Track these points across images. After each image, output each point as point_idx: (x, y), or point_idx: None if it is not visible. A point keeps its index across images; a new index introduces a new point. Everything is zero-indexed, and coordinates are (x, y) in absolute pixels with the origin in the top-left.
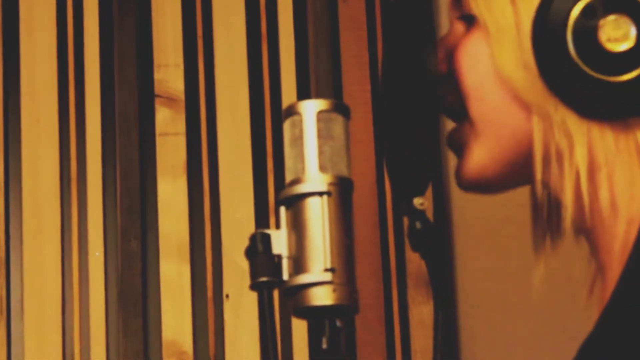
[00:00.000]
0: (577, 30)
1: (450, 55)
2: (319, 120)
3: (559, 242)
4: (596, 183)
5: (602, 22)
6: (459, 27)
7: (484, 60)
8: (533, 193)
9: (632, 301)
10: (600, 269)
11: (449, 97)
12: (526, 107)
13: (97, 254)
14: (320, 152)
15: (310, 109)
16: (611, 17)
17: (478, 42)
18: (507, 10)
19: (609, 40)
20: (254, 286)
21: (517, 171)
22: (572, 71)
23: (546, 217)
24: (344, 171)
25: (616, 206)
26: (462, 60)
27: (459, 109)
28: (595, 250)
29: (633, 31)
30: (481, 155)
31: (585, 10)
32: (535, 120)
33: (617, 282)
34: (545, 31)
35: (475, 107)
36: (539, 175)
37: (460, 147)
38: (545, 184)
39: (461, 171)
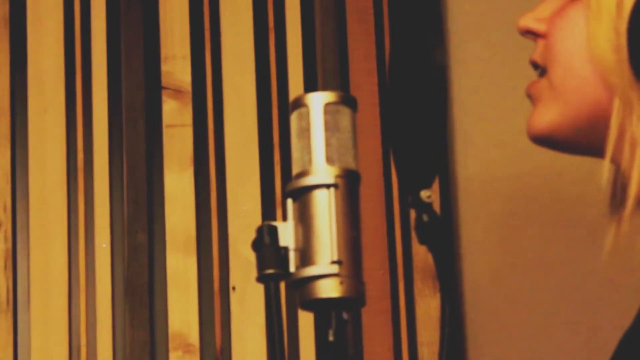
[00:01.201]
0: None
1: (550, 19)
2: (326, 112)
3: (624, 215)
4: None
5: None
6: None
7: (579, 34)
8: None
9: None
10: None
11: (539, 56)
12: (609, 88)
13: (103, 245)
14: (328, 145)
15: (318, 101)
16: None
17: (578, 14)
18: None
19: None
20: (260, 278)
21: (584, 139)
22: None
23: (612, 192)
24: (351, 163)
25: None
26: (560, 27)
27: (542, 70)
28: None
29: None
30: (553, 115)
31: None
32: (617, 104)
33: None
34: None
35: (560, 73)
36: (609, 154)
37: (536, 99)
38: (615, 164)
39: (532, 123)
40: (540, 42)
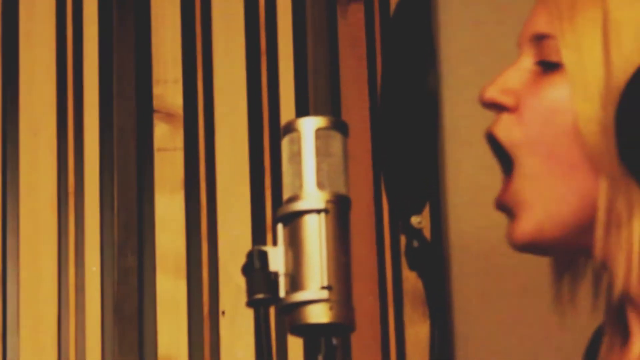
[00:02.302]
0: None
1: (520, 95)
2: (317, 137)
3: (577, 295)
4: None
5: None
6: (531, 64)
7: (562, 114)
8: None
9: None
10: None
11: (503, 131)
12: (594, 170)
13: (93, 268)
14: (318, 170)
15: (309, 126)
16: None
17: (557, 92)
18: (599, 70)
19: None
20: (250, 303)
21: (573, 236)
22: None
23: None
24: (341, 189)
25: None
26: (538, 107)
27: (506, 155)
28: (636, 320)
29: None
30: (539, 219)
31: None
32: (603, 185)
33: None
34: (636, 102)
35: (539, 161)
36: (600, 242)
37: (513, 207)
38: (599, 250)
39: (515, 232)
40: (505, 117)
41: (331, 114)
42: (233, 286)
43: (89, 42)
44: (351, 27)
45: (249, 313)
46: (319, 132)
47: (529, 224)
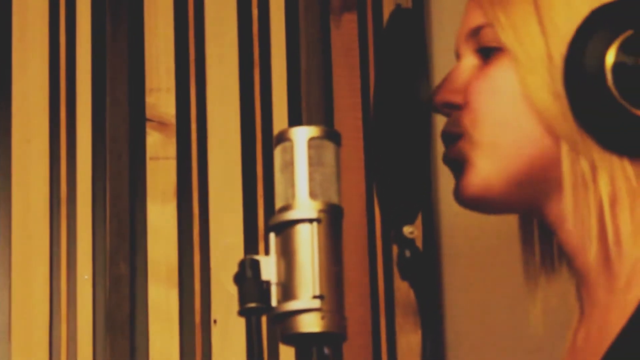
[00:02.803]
0: (616, 66)
1: (467, 87)
2: (310, 146)
3: (554, 278)
4: (618, 216)
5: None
6: (473, 59)
7: (511, 88)
8: (522, 226)
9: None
10: (594, 300)
11: (454, 127)
12: (552, 135)
13: (85, 277)
14: (311, 179)
15: (302, 135)
16: None
17: (503, 70)
18: (538, 41)
19: None
20: (242, 312)
21: (520, 195)
22: (607, 104)
23: (540, 254)
24: (334, 198)
25: (633, 243)
26: (483, 88)
27: (457, 136)
28: (608, 279)
29: None
30: (487, 173)
31: (623, 46)
32: (564, 149)
33: (626, 324)
34: (581, 65)
35: (490, 132)
36: (570, 203)
37: (462, 163)
38: (573, 214)
39: (463, 186)
40: (456, 114)
41: (324, 123)
42: (225, 295)
43: (82, 50)
44: (344, 37)
45: (241, 322)
46: (311, 141)
47: (477, 178)
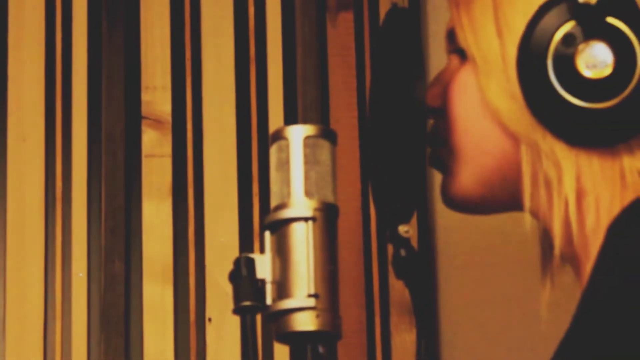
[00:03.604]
0: (557, 58)
1: (445, 89)
2: (305, 145)
3: (553, 270)
4: (583, 210)
5: (580, 47)
6: (455, 61)
7: (472, 92)
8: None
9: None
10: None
11: (439, 131)
12: (513, 137)
13: (80, 274)
14: (306, 178)
15: (297, 134)
16: (589, 44)
17: (467, 74)
18: (493, 42)
19: (587, 67)
20: (236, 310)
21: (502, 196)
22: (554, 99)
23: (540, 246)
24: (329, 197)
25: (599, 231)
26: (453, 93)
27: (441, 140)
28: (578, 276)
29: (610, 58)
30: (463, 178)
31: (565, 38)
32: (524, 150)
33: (581, 296)
34: (528, 60)
35: (459, 136)
36: (527, 204)
37: (444, 169)
38: (534, 213)
39: (446, 191)
40: (437, 120)
41: (320, 122)
42: (220, 293)
43: (78, 48)
44: (340, 35)
45: (236, 320)
46: (307, 140)
47: (455, 186)
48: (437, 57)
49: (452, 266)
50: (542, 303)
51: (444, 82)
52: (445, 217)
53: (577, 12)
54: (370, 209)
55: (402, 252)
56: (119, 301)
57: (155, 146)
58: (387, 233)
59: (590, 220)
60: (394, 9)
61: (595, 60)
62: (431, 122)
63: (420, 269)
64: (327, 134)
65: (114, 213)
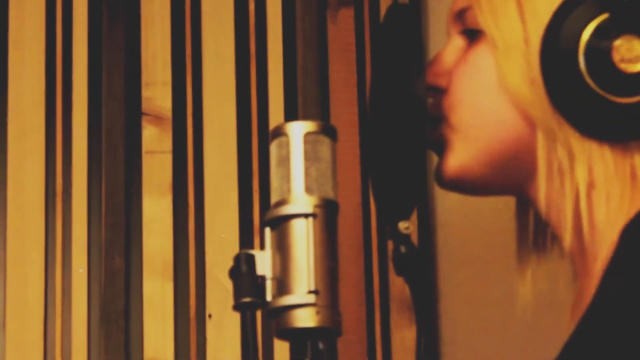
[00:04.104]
0: (590, 50)
1: (451, 70)
2: (306, 141)
3: (545, 260)
4: (593, 203)
5: (616, 43)
6: (459, 41)
7: (488, 73)
8: (519, 209)
9: (603, 319)
10: (581, 293)
11: (438, 110)
12: (528, 121)
13: (80, 270)
14: (307, 174)
15: (298, 130)
16: (625, 38)
17: (482, 55)
18: (516, 26)
19: (622, 60)
20: (237, 306)
21: (498, 177)
22: (582, 90)
23: (533, 234)
24: (330, 193)
25: (608, 229)
26: (463, 72)
27: (439, 119)
28: (581, 274)
29: None
30: (465, 156)
31: (598, 30)
32: (540, 136)
33: (593, 297)
34: (556, 50)
35: (467, 115)
36: (543, 191)
37: (441, 146)
38: (548, 203)
39: (442, 169)
40: (438, 97)
41: (320, 118)
42: (220, 289)
43: (79, 44)
44: (341, 31)
45: (236, 317)
46: (307, 136)
47: (454, 161)
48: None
49: (452, 263)
50: (522, 296)
51: (447, 62)
52: (445, 214)
53: (611, 5)
54: (370, 205)
55: (402, 249)
56: (119, 297)
57: (156, 142)
58: (387, 229)
59: (600, 215)
60: (395, 5)
61: (631, 55)
62: (430, 100)
63: (421, 265)
64: (328, 130)
65: (114, 209)
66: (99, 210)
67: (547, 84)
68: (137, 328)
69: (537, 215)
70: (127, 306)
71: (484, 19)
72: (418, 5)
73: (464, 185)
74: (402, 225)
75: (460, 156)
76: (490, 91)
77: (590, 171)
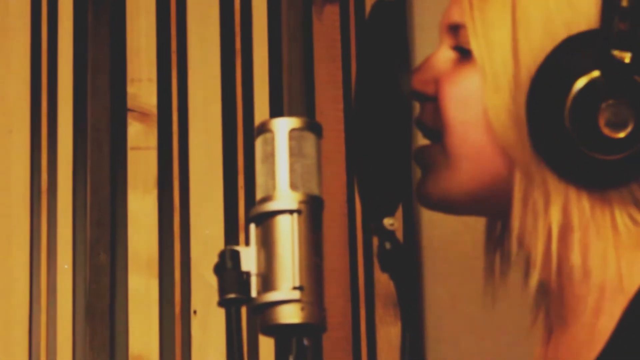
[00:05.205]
0: (577, 106)
1: (438, 82)
2: (291, 138)
3: (508, 272)
4: (568, 244)
5: (604, 105)
6: (450, 53)
7: (474, 102)
8: (489, 228)
9: None
10: (561, 322)
11: (428, 119)
12: (507, 158)
13: (65, 266)
14: (292, 170)
15: (283, 126)
16: (613, 102)
17: (471, 80)
18: (508, 61)
19: (607, 124)
20: (222, 302)
21: (480, 205)
22: (563, 143)
23: (499, 241)
24: (314, 190)
25: (588, 271)
26: (452, 94)
27: (436, 134)
28: (559, 306)
29: (631, 119)
30: (448, 183)
31: (587, 87)
32: (518, 177)
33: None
34: (544, 97)
35: (456, 142)
36: (516, 230)
37: (428, 166)
38: (520, 239)
39: (425, 189)
40: (429, 106)
41: (305, 114)
42: (205, 286)
43: (64, 40)
44: (326, 28)
45: (221, 313)
46: (292, 132)
47: (436, 187)
48: (424, 50)
49: (437, 259)
50: (487, 303)
51: (436, 69)
52: (430, 211)
53: (606, 64)
54: (355, 202)
55: (387, 245)
56: (104, 293)
57: (141, 138)
58: (372, 226)
59: (574, 258)
60: (380, 2)
61: (617, 119)
62: (416, 103)
63: (406, 261)
64: (313, 126)
65: (100, 205)
66: (84, 206)
67: (531, 128)
68: (122, 324)
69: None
70: (112, 302)
71: (477, 45)
72: (403, 1)
73: (446, 209)
74: (387, 222)
75: (446, 185)
76: (476, 123)
77: (565, 213)
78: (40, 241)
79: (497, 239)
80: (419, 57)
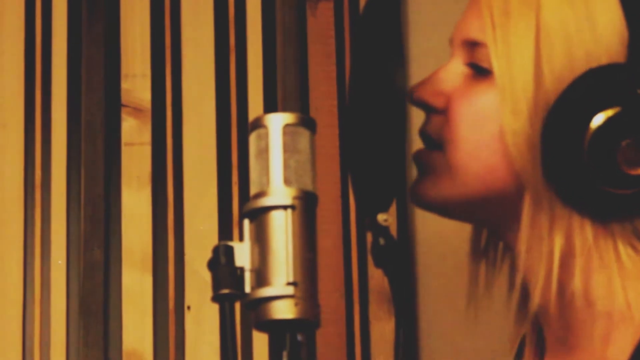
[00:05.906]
0: (597, 141)
1: (450, 97)
2: (285, 133)
3: (493, 284)
4: (569, 270)
5: (624, 143)
6: (463, 68)
7: (489, 122)
8: (474, 238)
9: None
10: (560, 344)
11: (433, 130)
12: (518, 180)
13: (59, 262)
14: (286, 166)
15: (277, 122)
16: (633, 139)
17: (486, 99)
18: (529, 85)
19: (625, 160)
20: (215, 298)
21: (474, 216)
22: (579, 175)
23: (485, 249)
24: (308, 185)
25: (591, 298)
26: (465, 112)
27: (438, 145)
28: (559, 329)
29: None
30: (448, 191)
31: (608, 122)
32: (527, 200)
33: None
34: (563, 126)
35: (463, 157)
36: (522, 254)
37: (428, 169)
38: (524, 262)
39: (421, 190)
40: (435, 118)
41: (299, 110)
42: (199, 281)
43: (58, 36)
44: (320, 24)
45: (215, 308)
46: (286, 128)
47: (434, 192)
48: (418, 46)
49: (431, 255)
50: (470, 314)
51: (446, 83)
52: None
53: (630, 102)
54: (349, 198)
55: (381, 241)
56: (98, 289)
57: (135, 134)
58: (366, 221)
59: (575, 284)
60: None
61: (637, 157)
62: (425, 116)
63: (399, 257)
64: (307, 122)
65: (94, 201)
66: (78, 202)
67: (544, 154)
68: (116, 320)
69: (491, 245)
70: (106, 298)
71: (498, 66)
72: None
73: (437, 211)
74: (381, 217)
75: (446, 192)
76: (489, 144)
77: (568, 239)
78: (34, 237)
79: (483, 249)
80: (413, 52)
